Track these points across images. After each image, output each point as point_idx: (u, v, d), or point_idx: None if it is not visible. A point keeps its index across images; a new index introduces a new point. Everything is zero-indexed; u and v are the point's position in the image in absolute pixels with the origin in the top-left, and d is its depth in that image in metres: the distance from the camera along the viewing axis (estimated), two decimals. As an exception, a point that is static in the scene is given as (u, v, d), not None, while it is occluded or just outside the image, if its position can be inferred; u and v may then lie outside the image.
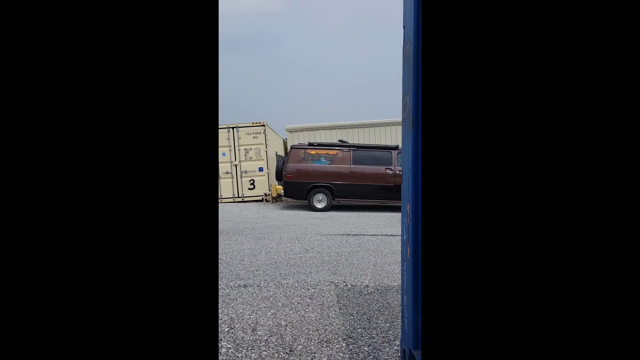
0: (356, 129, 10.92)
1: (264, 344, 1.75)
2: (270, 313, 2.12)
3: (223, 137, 9.85)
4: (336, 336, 1.82)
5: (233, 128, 9.87)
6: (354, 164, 7.68)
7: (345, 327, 1.91)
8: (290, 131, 11.03)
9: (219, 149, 9.83)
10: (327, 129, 10.93)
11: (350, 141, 9.90)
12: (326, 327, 1.92)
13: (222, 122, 9.94)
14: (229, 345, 1.74)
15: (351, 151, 7.73)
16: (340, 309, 2.17)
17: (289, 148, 8.39)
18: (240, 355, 1.66)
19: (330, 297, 2.38)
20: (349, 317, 2.04)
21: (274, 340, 1.79)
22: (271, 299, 2.35)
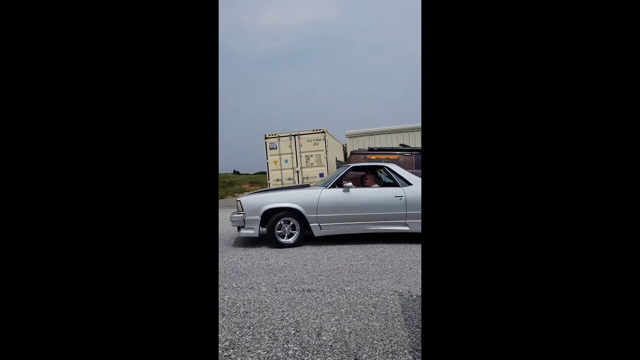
0: (417, 132, 10.56)
1: (329, 349, 1.78)
2: (334, 319, 2.15)
3: (285, 144, 10.26)
4: (402, 348, 1.77)
5: (295, 136, 10.21)
6: (416, 168, 7.42)
7: (412, 340, 1.85)
8: (350, 137, 11.06)
9: (282, 157, 10.25)
10: (387, 133, 10.74)
11: (412, 145, 9.61)
12: (391, 338, 1.88)
13: (284, 131, 10.30)
14: (295, 348, 1.80)
15: (413, 155, 7.48)
16: (405, 320, 2.11)
17: (348, 154, 8.43)
18: (306, 358, 1.70)
19: (395, 306, 2.33)
20: (415, 329, 1.98)
21: (338, 346, 1.80)
22: (334, 305, 2.38)
